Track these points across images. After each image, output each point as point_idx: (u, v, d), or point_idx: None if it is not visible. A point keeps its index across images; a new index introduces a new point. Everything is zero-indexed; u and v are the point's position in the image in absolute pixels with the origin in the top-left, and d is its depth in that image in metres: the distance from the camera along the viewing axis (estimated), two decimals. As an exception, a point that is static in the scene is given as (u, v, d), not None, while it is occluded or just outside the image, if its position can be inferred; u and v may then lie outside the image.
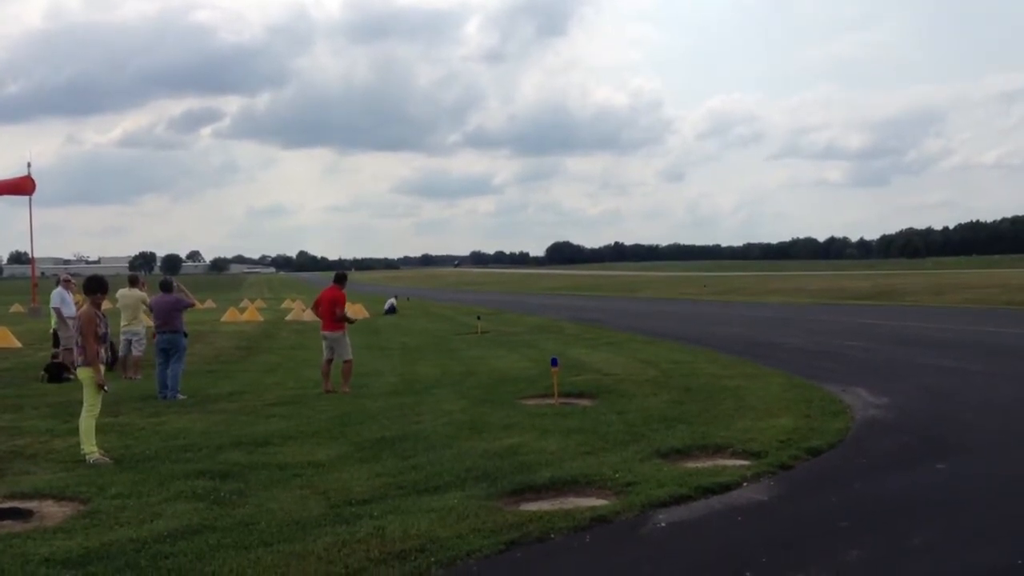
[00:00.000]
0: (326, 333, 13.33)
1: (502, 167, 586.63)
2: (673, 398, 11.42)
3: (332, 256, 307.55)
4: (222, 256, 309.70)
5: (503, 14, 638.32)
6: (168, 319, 13.08)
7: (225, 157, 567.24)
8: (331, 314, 13.30)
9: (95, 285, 8.93)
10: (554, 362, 11.52)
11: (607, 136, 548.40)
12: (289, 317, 34.82)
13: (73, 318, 10.64)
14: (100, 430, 8.61)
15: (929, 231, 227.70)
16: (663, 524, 6.15)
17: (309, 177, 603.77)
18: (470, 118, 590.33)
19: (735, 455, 8.15)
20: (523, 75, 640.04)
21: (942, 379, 13.13)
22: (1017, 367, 14.65)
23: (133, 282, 15.71)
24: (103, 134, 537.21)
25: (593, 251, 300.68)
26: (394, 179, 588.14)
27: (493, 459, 7.97)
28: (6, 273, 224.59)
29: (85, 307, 8.79)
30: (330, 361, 13.28)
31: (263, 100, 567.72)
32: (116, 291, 16.57)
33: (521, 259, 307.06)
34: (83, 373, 8.59)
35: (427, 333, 26.59)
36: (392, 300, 39.49)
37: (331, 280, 13.83)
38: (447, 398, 12.07)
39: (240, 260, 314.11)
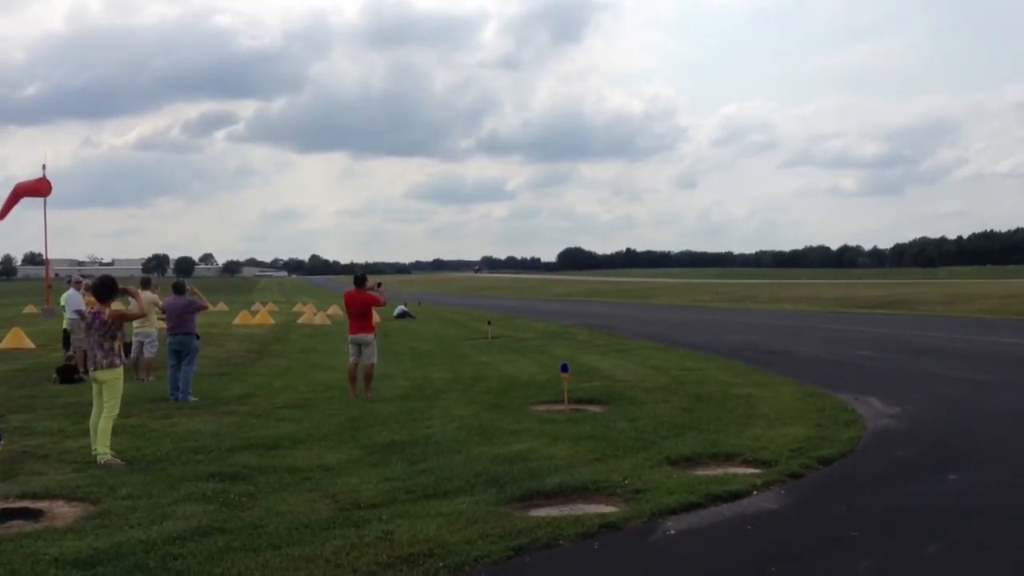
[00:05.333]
0: (357, 336, 13.06)
1: (515, 173, 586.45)
2: (684, 405, 11.39)
3: (344, 260, 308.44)
4: (235, 259, 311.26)
5: (519, 21, 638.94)
6: (180, 321, 13.14)
7: (240, 160, 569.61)
8: (363, 316, 13.17)
9: (108, 293, 8.87)
10: (564, 368, 11.50)
11: (621, 143, 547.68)
12: (301, 320, 34.92)
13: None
14: (111, 431, 8.63)
15: (943, 240, 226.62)
16: (672, 532, 6.13)
17: (323, 181, 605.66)
18: (484, 124, 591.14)
19: (745, 463, 8.12)
20: (538, 81, 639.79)
21: (955, 389, 13.04)
22: (1031, 378, 14.52)
23: (146, 284, 15.77)
24: (119, 137, 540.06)
25: (605, 257, 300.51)
26: (408, 184, 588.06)
27: (502, 464, 7.96)
28: (20, 274, 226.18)
29: (108, 309, 8.78)
30: (357, 365, 13.14)
31: (279, 104, 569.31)
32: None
33: (533, 264, 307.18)
34: (106, 375, 8.61)
35: (438, 338, 26.64)
36: (402, 306, 39.50)
37: (352, 283, 13.49)
38: (457, 403, 12.07)
39: (253, 263, 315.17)
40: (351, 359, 13.21)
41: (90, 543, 5.76)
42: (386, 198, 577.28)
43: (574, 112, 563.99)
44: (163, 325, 14.34)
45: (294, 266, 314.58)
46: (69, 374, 14.82)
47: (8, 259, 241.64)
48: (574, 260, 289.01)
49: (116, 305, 9.07)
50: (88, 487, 7.28)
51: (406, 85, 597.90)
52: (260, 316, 35.97)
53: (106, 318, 8.65)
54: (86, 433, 8.76)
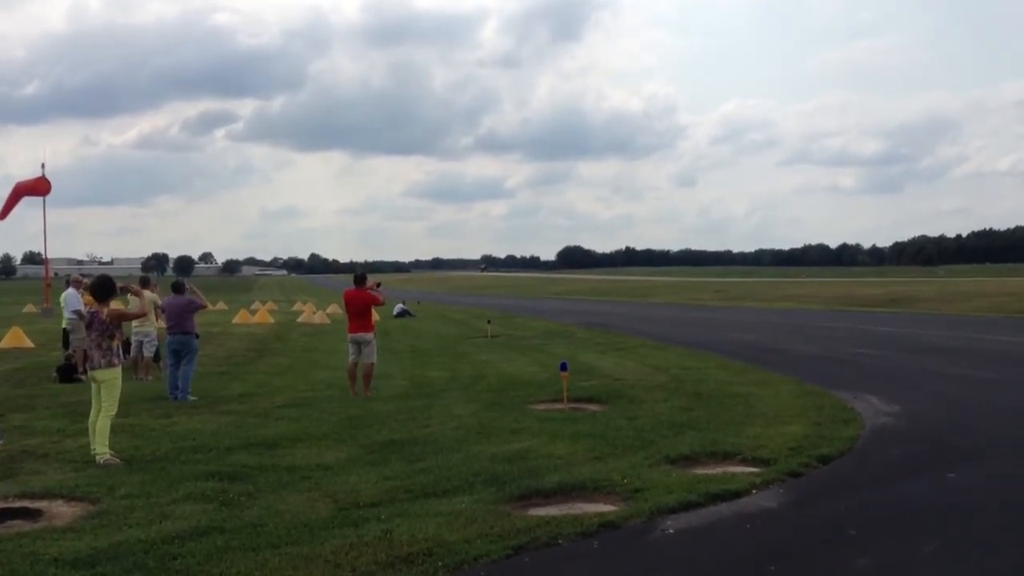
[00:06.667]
0: (357, 335, 13.05)
1: (515, 171, 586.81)
2: (683, 404, 11.39)
3: (344, 259, 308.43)
4: (234, 258, 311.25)
5: (519, 19, 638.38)
6: (180, 320, 13.13)
7: (239, 159, 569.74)
8: (363, 315, 13.17)
9: (106, 292, 8.88)
10: (564, 367, 11.49)
11: (620, 141, 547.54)
12: (300, 319, 34.91)
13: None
14: (111, 430, 8.64)
15: (942, 238, 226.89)
16: (671, 530, 6.13)
17: (322, 180, 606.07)
18: (484, 122, 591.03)
19: (744, 462, 8.12)
20: (537, 79, 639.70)
21: (954, 387, 13.05)
22: (1030, 376, 14.52)
23: (145, 283, 15.76)
24: (118, 135, 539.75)
25: (604, 256, 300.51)
26: (407, 182, 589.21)
27: (501, 463, 7.96)
28: (19, 273, 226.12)
29: (106, 309, 8.78)
30: (357, 364, 13.14)
31: (278, 103, 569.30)
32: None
33: (532, 263, 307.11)
34: (104, 374, 8.61)
35: (437, 336, 26.65)
36: (401, 305, 39.52)
37: (352, 282, 13.52)
38: (456, 402, 12.07)
39: (252, 262, 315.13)
40: (351, 358, 13.21)
41: (89, 543, 5.75)
42: (385, 197, 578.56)
43: (574, 110, 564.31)
44: (162, 324, 14.34)
45: (293, 265, 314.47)
46: (68, 373, 14.82)
47: (7, 258, 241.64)
48: (574, 258, 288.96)
49: (115, 304, 9.07)
50: (87, 487, 7.28)
51: (405, 83, 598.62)
52: (260, 315, 35.98)
53: (104, 318, 8.65)
54: (85, 432, 8.76)
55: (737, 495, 6.92)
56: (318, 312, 36.95)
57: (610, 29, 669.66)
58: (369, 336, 13.11)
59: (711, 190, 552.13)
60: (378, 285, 13.66)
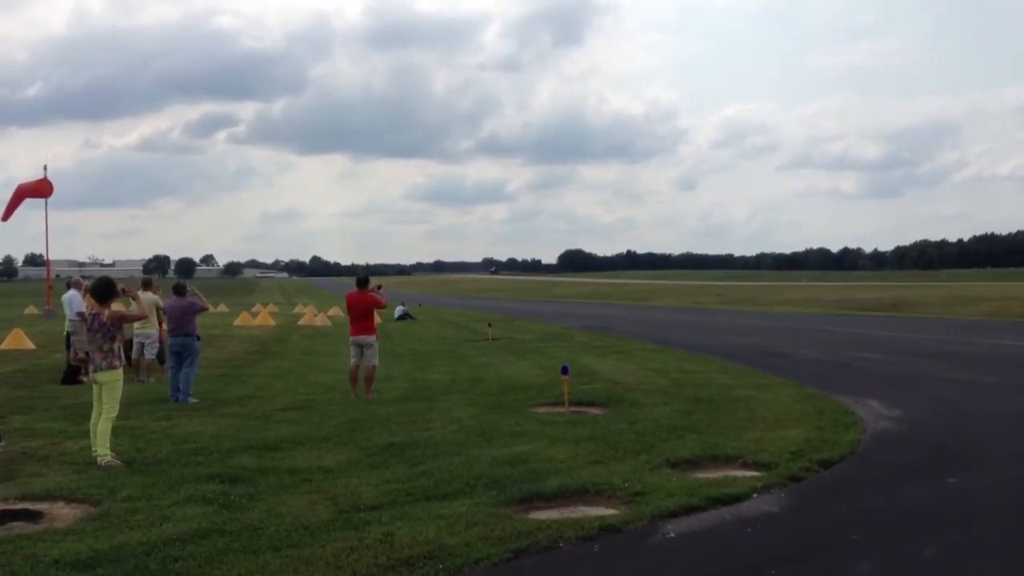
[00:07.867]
0: (359, 338, 13.08)
1: (516, 174, 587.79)
2: (684, 408, 11.38)
3: (345, 261, 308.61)
4: (236, 260, 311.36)
5: (520, 23, 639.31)
6: (181, 323, 13.15)
7: (241, 162, 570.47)
8: (365, 318, 13.17)
9: (107, 294, 8.88)
10: (564, 370, 11.48)
11: (621, 145, 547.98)
12: (301, 322, 34.91)
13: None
14: (112, 432, 8.64)
15: (943, 243, 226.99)
16: (672, 534, 6.13)
17: (324, 182, 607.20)
18: (485, 125, 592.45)
19: (745, 466, 8.11)
20: (539, 83, 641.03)
21: (955, 391, 13.03)
22: (1031, 380, 14.50)
23: (147, 285, 15.79)
24: (120, 138, 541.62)
25: (605, 259, 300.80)
26: (408, 185, 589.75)
27: (502, 467, 7.96)
28: (21, 275, 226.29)
29: (107, 311, 8.78)
30: (358, 366, 13.16)
31: (279, 105, 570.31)
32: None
33: (533, 266, 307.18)
34: (105, 376, 8.61)
35: (438, 339, 26.66)
36: (402, 307, 39.53)
37: (355, 284, 13.56)
38: (457, 405, 12.07)
39: (253, 264, 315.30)
40: (352, 360, 13.22)
41: (90, 545, 5.76)
42: (386, 199, 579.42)
43: (575, 114, 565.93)
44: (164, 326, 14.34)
45: (295, 267, 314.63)
46: (72, 375, 14.81)
47: (9, 260, 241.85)
48: (574, 262, 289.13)
49: (116, 306, 9.07)
50: (88, 489, 7.28)
51: (407, 87, 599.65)
52: (261, 317, 35.98)
53: (105, 319, 8.65)
54: (86, 434, 8.76)
55: (738, 499, 6.92)
56: (319, 315, 36.96)
57: (611, 33, 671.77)
58: (371, 339, 13.11)
59: (712, 194, 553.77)
60: (379, 287, 13.66)
